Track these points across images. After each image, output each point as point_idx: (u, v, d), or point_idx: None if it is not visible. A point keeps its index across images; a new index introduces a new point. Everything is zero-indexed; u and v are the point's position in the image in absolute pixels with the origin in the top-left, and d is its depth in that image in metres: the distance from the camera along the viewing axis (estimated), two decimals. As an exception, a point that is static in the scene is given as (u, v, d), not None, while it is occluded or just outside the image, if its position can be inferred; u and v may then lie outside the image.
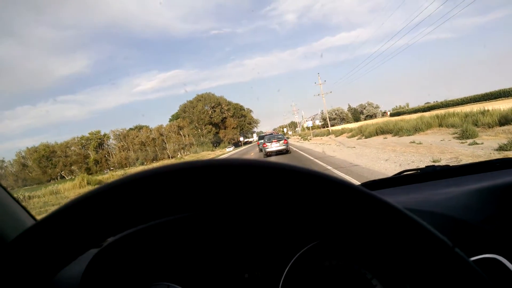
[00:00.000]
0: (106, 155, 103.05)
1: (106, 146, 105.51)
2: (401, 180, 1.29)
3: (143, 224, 0.41)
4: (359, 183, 1.27)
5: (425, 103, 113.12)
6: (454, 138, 12.47)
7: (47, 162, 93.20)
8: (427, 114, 21.47)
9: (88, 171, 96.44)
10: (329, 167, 9.90)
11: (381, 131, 23.63)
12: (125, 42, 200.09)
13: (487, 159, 1.30)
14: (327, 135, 44.35)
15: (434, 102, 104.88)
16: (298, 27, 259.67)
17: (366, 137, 24.47)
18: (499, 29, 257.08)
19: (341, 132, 38.11)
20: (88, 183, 23.03)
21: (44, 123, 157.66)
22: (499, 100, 45.65)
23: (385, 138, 19.62)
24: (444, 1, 33.21)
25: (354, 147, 15.38)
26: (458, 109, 18.69)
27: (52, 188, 22.05)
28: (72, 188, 22.80)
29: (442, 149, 9.92)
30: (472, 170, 1.25)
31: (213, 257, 0.82)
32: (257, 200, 0.39)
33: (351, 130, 35.16)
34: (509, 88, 58.20)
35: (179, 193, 0.38)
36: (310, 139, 42.28)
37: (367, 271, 0.76)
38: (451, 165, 1.37)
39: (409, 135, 17.92)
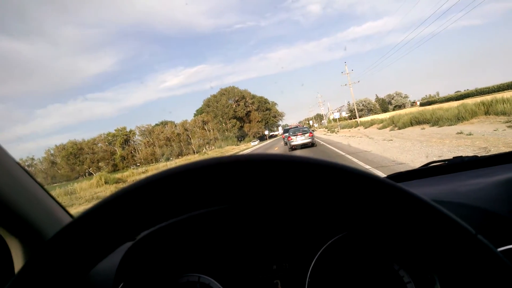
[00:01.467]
0: (132, 151, 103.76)
1: (132, 142, 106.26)
2: (428, 171, 1.28)
3: (175, 218, 0.41)
4: (385, 175, 1.30)
5: (456, 92, 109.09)
6: (508, 127, 10.73)
7: (75, 159, 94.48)
8: (464, 101, 19.53)
9: (115, 167, 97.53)
10: (367, 166, 8.22)
11: (416, 121, 21.81)
12: (150, 39, 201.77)
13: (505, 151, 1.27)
14: (355, 127, 42.47)
15: (465, 90, 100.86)
16: (322, 18, 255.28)
17: (399, 128, 22.71)
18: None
19: (371, 124, 36.19)
20: (106, 182, 22.22)
21: (75, 121, 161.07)
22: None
23: (423, 128, 17.85)
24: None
25: (391, 140, 13.64)
26: (498, 95, 16.69)
27: (68, 188, 21.30)
28: (89, 188, 22.05)
29: (504, 141, 8.27)
30: (501, 160, 1.22)
31: (243, 249, 0.85)
32: (283, 194, 0.40)
33: (381, 121, 33.23)
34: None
35: (209, 188, 0.39)
36: (338, 131, 40.46)
37: (394, 262, 0.77)
38: (479, 155, 1.34)
39: (450, 124, 16.14)
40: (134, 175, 29.22)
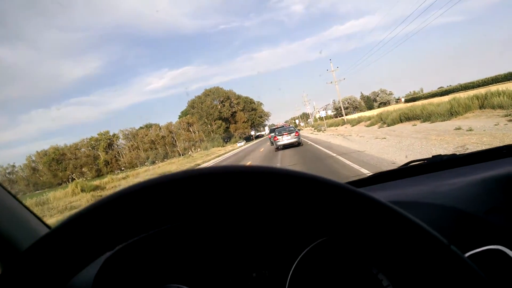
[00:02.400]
0: (116, 156, 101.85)
1: (116, 146, 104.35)
2: (408, 171, 1.29)
3: (153, 230, 0.41)
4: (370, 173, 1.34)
5: (439, 88, 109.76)
6: (509, 121, 9.93)
7: (57, 165, 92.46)
8: (455, 95, 18.81)
9: (99, 172, 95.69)
10: (364, 170, 7.15)
11: (405, 117, 21.08)
12: (134, 42, 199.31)
13: (494, 146, 1.30)
14: (342, 125, 41.80)
15: (447, 86, 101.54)
16: (306, 17, 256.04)
17: (388, 125, 21.95)
18: (510, 9, 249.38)
19: (358, 121, 35.47)
20: (83, 190, 20.87)
21: (58, 126, 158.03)
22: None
23: (414, 125, 17.02)
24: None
25: (385, 138, 12.75)
26: (493, 88, 15.98)
27: (41, 198, 19.85)
28: (64, 197, 20.59)
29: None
30: (479, 158, 1.25)
31: (221, 258, 0.85)
32: (252, 204, 0.40)
33: (369, 118, 32.53)
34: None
35: (183, 201, 0.39)
36: (325, 130, 39.65)
37: (373, 266, 0.77)
38: (458, 153, 1.37)
39: (443, 120, 15.38)
40: (113, 181, 27.77)
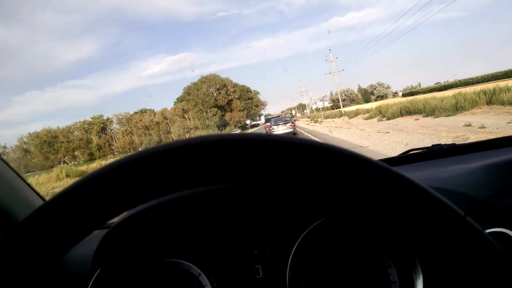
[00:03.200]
0: (109, 140, 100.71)
1: (109, 131, 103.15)
2: (408, 158, 1.30)
3: (152, 201, 0.39)
4: None
5: (436, 83, 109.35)
6: (523, 118, 9.21)
7: (49, 147, 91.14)
8: (459, 90, 18.06)
9: (91, 156, 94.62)
10: None
11: (406, 111, 20.35)
12: (132, 26, 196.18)
13: (494, 138, 1.31)
14: (339, 117, 41.08)
15: (444, 82, 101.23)
16: (306, 7, 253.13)
17: (388, 119, 21.25)
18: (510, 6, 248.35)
19: (356, 114, 34.79)
20: (68, 175, 19.94)
21: (53, 108, 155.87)
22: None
23: (417, 119, 16.28)
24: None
25: (388, 132, 11.94)
26: (501, 83, 15.24)
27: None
28: (47, 182, 19.63)
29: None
30: (478, 148, 1.26)
31: (223, 234, 0.84)
32: (266, 175, 0.39)
33: (367, 111, 31.81)
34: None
35: (189, 169, 0.37)
36: (322, 121, 38.89)
37: (384, 256, 0.77)
38: (457, 143, 1.37)
39: (448, 115, 14.64)
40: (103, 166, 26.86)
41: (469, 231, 0.38)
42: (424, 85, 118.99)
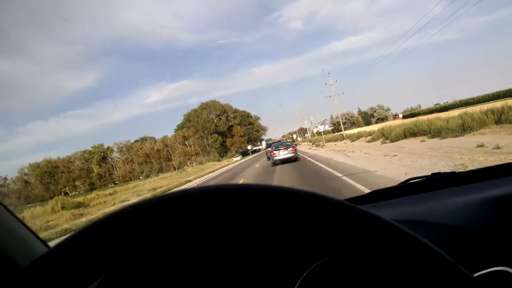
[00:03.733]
0: (110, 169, 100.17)
1: (110, 160, 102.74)
2: (407, 188, 1.28)
3: (149, 252, 0.40)
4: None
5: (435, 104, 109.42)
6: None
7: (50, 178, 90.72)
8: (465, 110, 17.57)
9: (92, 186, 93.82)
10: None
11: (410, 132, 19.81)
12: (133, 55, 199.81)
13: (494, 165, 1.30)
14: (340, 140, 40.52)
15: (444, 103, 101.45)
16: (304, 33, 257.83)
17: (392, 141, 20.67)
18: (506, 27, 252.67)
19: (357, 136, 34.21)
20: (63, 207, 19.25)
21: (55, 139, 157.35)
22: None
23: (423, 141, 15.71)
24: (449, 2, 30.13)
25: (395, 156, 11.30)
26: (492, 104, 14.79)
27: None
28: (42, 215, 18.79)
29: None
30: (479, 176, 1.24)
31: (221, 277, 0.81)
32: (248, 223, 0.39)
33: (369, 133, 31.27)
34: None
35: (176, 223, 0.38)
36: (323, 145, 38.33)
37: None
38: (457, 171, 1.36)
39: (455, 136, 14.07)
40: (99, 197, 26.10)
41: (461, 279, 0.38)
42: (424, 106, 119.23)
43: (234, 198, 0.38)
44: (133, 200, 20.52)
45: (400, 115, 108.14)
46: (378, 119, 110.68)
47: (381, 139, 24.40)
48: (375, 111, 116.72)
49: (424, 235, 0.65)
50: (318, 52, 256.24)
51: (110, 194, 27.93)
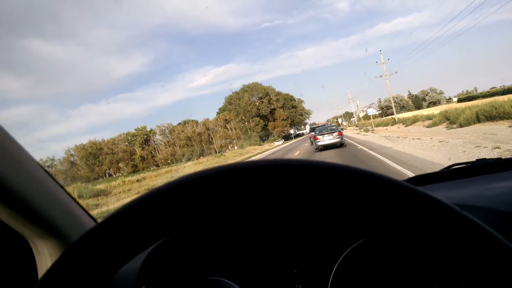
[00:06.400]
0: (152, 151, 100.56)
1: (152, 142, 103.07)
2: (451, 174, 1.26)
3: (197, 223, 0.41)
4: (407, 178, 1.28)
5: (491, 88, 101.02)
6: None
7: (94, 159, 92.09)
8: None
9: (135, 168, 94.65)
10: None
11: (486, 116, 16.12)
12: (179, 40, 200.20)
13: None
14: (392, 125, 36.56)
15: (501, 87, 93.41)
16: (351, 15, 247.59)
17: (462, 126, 17.04)
18: None
19: (413, 121, 30.29)
20: (80, 196, 17.43)
21: (106, 121, 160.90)
22: None
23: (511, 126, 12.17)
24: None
25: (499, 148, 7.68)
26: None
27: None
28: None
29: None
30: None
31: (263, 253, 0.85)
32: (302, 198, 0.40)
33: (428, 117, 27.33)
34: None
35: (224, 195, 0.39)
36: (373, 130, 34.56)
37: (423, 272, 0.74)
38: (503, 157, 1.31)
39: None
40: (125, 184, 24.21)
41: None
42: (480, 89, 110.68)
43: (293, 172, 0.38)
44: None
45: (455, 99, 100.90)
46: (430, 103, 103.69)
47: (445, 123, 20.75)
48: (426, 95, 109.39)
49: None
50: (365, 35, 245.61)
51: (138, 181, 25.93)
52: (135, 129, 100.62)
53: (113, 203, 15.85)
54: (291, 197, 0.40)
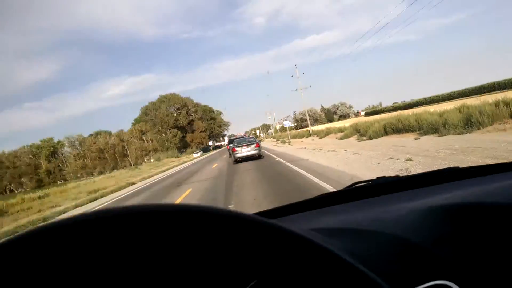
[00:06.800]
0: (60, 165, 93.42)
1: (61, 155, 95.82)
2: (353, 193, 1.29)
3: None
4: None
5: (393, 103, 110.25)
6: None
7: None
8: (462, 101, 15.10)
9: (40, 182, 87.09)
10: None
11: (392, 128, 17.13)
12: (93, 47, 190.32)
13: (437, 169, 1.36)
14: (307, 137, 37.78)
15: (401, 102, 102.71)
16: (268, 30, 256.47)
17: (371, 138, 17.95)
18: (464, 29, 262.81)
19: (326, 133, 31.57)
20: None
21: (7, 131, 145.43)
22: (492, 93, 39.99)
23: (417, 138, 12.92)
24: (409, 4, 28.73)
25: (410, 160, 7.83)
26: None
27: None
28: None
29: None
30: (422, 181, 1.27)
31: None
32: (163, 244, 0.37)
33: (340, 129, 28.61)
34: (488, 84, 53.71)
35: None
36: (289, 142, 35.34)
37: None
38: (401, 175, 1.37)
39: (460, 133, 11.38)
40: (24, 202, 21.51)
41: None
42: (384, 104, 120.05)
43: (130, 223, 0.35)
44: (68, 205, 16.77)
45: (362, 113, 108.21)
46: (340, 116, 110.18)
47: (356, 136, 21.79)
48: (337, 108, 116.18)
49: (370, 244, 0.72)
50: (281, 49, 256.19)
51: (39, 198, 23.20)
52: (41, 141, 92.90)
53: (8, 224, 13.94)
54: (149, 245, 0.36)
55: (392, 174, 5.79)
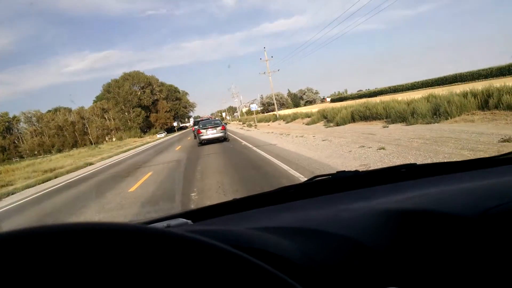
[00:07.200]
0: (15, 141, 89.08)
1: (16, 131, 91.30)
2: (314, 187, 1.30)
3: None
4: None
5: (358, 91, 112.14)
6: None
7: None
8: (430, 91, 15.15)
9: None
10: None
11: (360, 116, 17.06)
12: (54, 19, 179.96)
13: (393, 165, 1.36)
14: (274, 121, 37.51)
15: (366, 90, 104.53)
16: (237, 11, 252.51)
17: (338, 125, 17.82)
18: (428, 22, 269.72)
19: (293, 118, 31.34)
20: None
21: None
22: (453, 84, 41.14)
23: (385, 127, 12.82)
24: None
25: (383, 149, 7.51)
26: (495, 82, 12.23)
27: None
28: None
29: None
30: (380, 177, 1.28)
31: None
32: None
33: (307, 114, 28.44)
34: (458, 74, 55.34)
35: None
36: (256, 125, 34.93)
37: None
38: (360, 170, 1.38)
39: (428, 122, 11.33)
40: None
41: None
42: (349, 92, 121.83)
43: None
44: (19, 184, 15.63)
45: (328, 99, 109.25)
46: (306, 102, 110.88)
47: (323, 121, 21.67)
48: (304, 94, 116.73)
49: (326, 245, 0.71)
50: (250, 32, 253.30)
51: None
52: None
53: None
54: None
55: (366, 163, 5.47)
